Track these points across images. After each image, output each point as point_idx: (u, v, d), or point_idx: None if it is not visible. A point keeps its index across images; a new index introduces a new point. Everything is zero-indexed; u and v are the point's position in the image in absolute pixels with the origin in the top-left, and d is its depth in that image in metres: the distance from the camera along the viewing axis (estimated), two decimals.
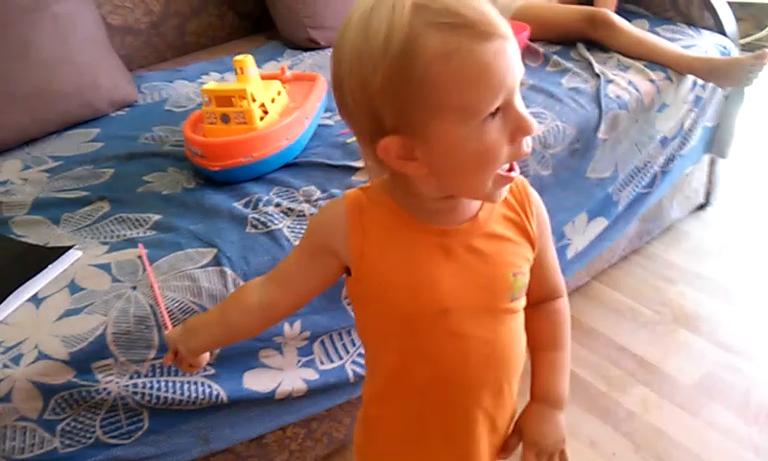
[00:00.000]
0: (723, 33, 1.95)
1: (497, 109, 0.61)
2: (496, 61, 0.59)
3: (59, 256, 1.19)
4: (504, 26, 0.60)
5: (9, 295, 1.10)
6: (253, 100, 1.39)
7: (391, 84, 0.60)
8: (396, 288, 0.72)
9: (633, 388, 1.59)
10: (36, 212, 1.36)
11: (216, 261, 1.17)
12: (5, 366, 0.99)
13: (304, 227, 1.25)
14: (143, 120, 1.72)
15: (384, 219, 0.72)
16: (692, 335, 1.72)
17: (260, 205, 1.30)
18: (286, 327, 1.21)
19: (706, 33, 1.95)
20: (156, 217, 1.30)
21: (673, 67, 1.77)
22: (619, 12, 2.05)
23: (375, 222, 0.72)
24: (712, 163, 2.10)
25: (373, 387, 0.82)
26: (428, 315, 0.72)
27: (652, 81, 1.74)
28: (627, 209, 1.80)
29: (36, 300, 1.11)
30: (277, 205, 1.29)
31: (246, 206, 1.30)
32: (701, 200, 2.15)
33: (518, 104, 0.63)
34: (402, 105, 0.61)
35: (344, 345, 1.31)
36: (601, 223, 1.74)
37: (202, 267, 1.16)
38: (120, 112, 1.81)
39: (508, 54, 0.60)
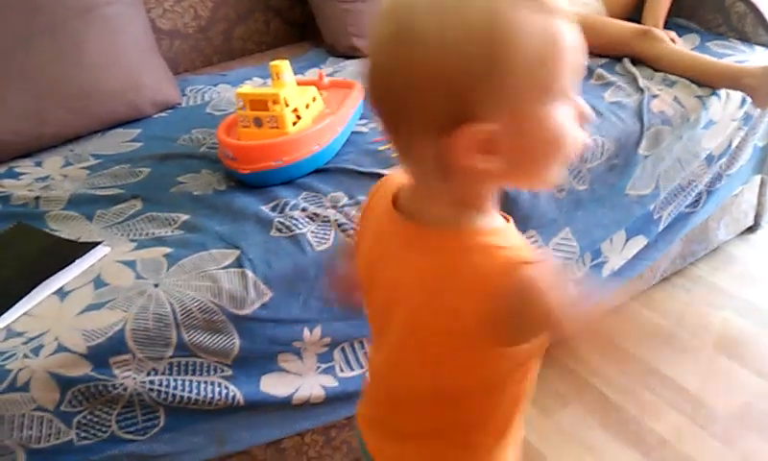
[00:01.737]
0: None
1: (567, 91, 0.62)
2: (580, 43, 0.61)
3: (87, 252, 1.22)
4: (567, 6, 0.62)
5: (35, 287, 1.13)
6: (287, 105, 1.39)
7: (482, 72, 0.57)
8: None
9: (667, 415, 1.53)
10: (71, 208, 1.39)
11: (238, 263, 1.17)
12: (25, 356, 1.01)
13: (328, 232, 1.25)
14: (183, 122, 1.75)
15: None
16: (733, 363, 1.65)
17: (287, 209, 1.30)
18: (306, 332, 1.21)
19: (759, 49, 1.88)
20: (185, 217, 1.31)
21: (719, 82, 1.70)
22: (670, 25, 2.00)
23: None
24: (763, 185, 2.02)
25: None
26: None
27: (698, 96, 1.68)
28: (669, 229, 1.75)
29: (61, 293, 1.14)
30: (304, 209, 1.29)
31: (273, 209, 1.31)
32: (750, 222, 2.07)
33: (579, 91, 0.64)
34: (492, 89, 0.58)
35: (365, 353, 1.30)
36: (640, 242, 1.69)
37: (224, 268, 1.16)
38: (162, 114, 1.84)
39: (574, 32, 0.61)
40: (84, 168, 1.57)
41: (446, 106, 0.58)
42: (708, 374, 1.63)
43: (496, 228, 0.66)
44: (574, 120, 0.63)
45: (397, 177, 0.71)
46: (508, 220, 0.70)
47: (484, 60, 0.57)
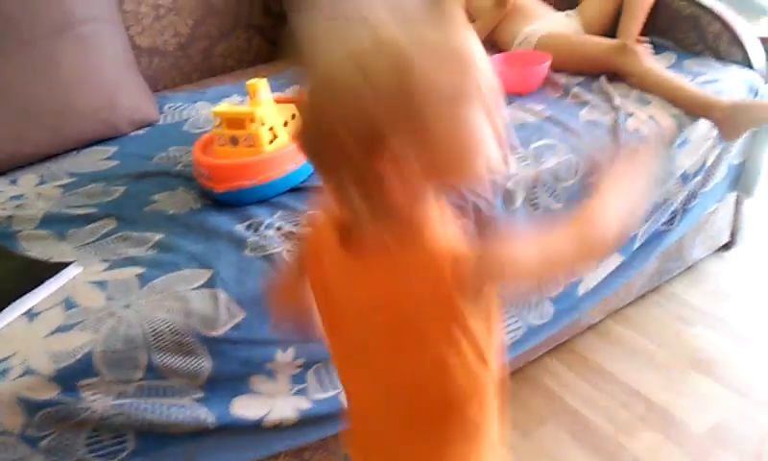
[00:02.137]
0: (752, 67, 1.90)
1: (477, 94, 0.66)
2: (486, 57, 0.67)
3: (58, 272, 1.21)
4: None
5: (4, 308, 1.12)
6: (263, 123, 1.40)
7: (403, 94, 0.61)
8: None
9: (641, 433, 1.54)
10: (44, 227, 1.38)
11: (210, 283, 1.17)
12: None
13: None
14: (160, 140, 1.75)
15: None
16: (707, 380, 1.66)
17: (261, 228, 1.30)
18: (279, 353, 1.20)
19: (734, 67, 1.90)
20: (159, 236, 1.31)
21: (689, 109, 1.73)
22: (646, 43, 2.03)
23: None
24: (738, 202, 2.04)
25: None
26: None
27: (674, 116, 1.70)
28: (644, 246, 1.75)
29: (30, 314, 1.13)
30: (278, 228, 1.29)
31: (248, 228, 1.30)
32: (725, 239, 2.08)
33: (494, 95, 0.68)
34: (406, 117, 0.62)
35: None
36: (616, 259, 1.70)
37: (195, 288, 1.16)
38: (140, 131, 1.84)
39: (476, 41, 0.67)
40: (58, 186, 1.56)
41: (365, 135, 0.62)
42: (682, 391, 1.64)
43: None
44: (491, 137, 0.67)
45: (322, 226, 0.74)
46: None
47: (396, 92, 0.61)
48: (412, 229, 0.68)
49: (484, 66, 0.66)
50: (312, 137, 0.67)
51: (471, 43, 0.66)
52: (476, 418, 0.77)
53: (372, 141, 0.63)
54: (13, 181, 1.61)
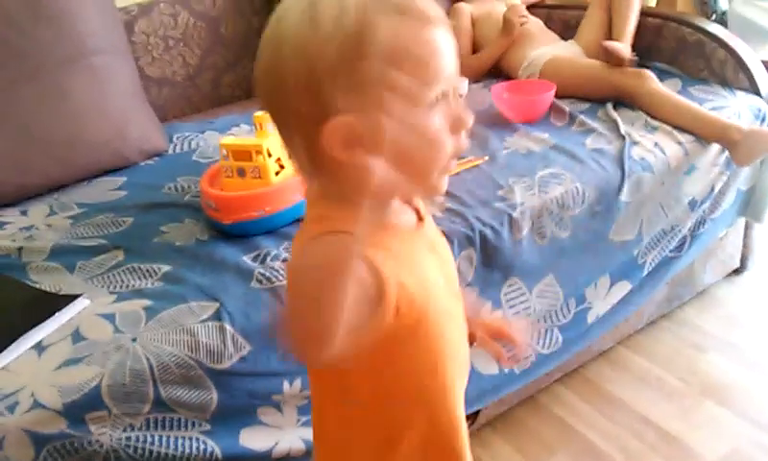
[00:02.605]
0: (758, 94, 1.90)
1: (440, 97, 0.64)
2: (441, 46, 0.63)
3: (67, 304, 1.21)
4: (444, 16, 0.65)
5: (14, 341, 1.13)
6: (269, 155, 1.41)
7: (344, 63, 0.60)
8: (426, 299, 0.68)
9: None
10: (53, 259, 1.39)
11: (217, 316, 1.17)
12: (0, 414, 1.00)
13: None
14: (169, 170, 1.76)
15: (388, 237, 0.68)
16: (720, 408, 1.64)
17: (268, 259, 1.30)
18: (285, 384, 1.20)
19: (740, 94, 1.90)
20: (167, 268, 1.31)
21: (703, 132, 1.72)
22: (652, 70, 2.03)
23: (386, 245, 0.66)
24: (748, 227, 2.03)
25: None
26: (444, 312, 0.73)
27: (680, 143, 1.70)
28: (653, 273, 1.75)
29: (39, 347, 1.13)
30: (284, 260, 1.30)
31: (254, 260, 1.31)
32: (736, 264, 2.07)
33: (458, 97, 0.66)
34: (355, 82, 0.61)
35: None
36: (624, 287, 1.69)
37: (202, 321, 1.16)
38: (149, 161, 1.86)
39: (450, 41, 0.64)
40: (68, 217, 1.57)
41: (311, 104, 0.62)
42: (694, 419, 1.62)
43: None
44: (449, 127, 0.65)
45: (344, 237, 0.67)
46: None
47: (347, 52, 0.60)
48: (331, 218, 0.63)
49: (449, 59, 0.64)
50: (264, 94, 0.66)
51: (442, 34, 0.64)
52: None
53: (313, 94, 0.61)
54: (24, 212, 1.63)
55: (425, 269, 0.71)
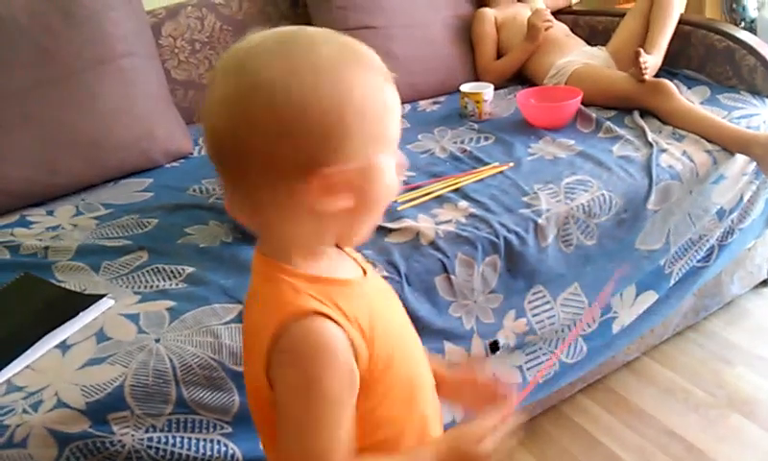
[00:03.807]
0: None
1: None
2: (396, 97, 0.68)
3: (91, 304, 1.22)
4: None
5: (38, 340, 1.13)
6: None
7: (328, 116, 0.62)
8: (399, 344, 0.75)
9: None
10: (78, 259, 1.40)
11: (240, 318, 1.17)
12: (24, 411, 1.01)
13: None
14: (194, 172, 1.77)
15: (347, 293, 0.70)
16: (747, 422, 1.61)
17: None
18: None
19: None
20: (191, 270, 1.32)
21: (727, 145, 1.70)
22: (680, 77, 2.01)
23: (352, 302, 0.69)
24: None
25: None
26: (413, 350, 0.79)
27: (708, 151, 1.68)
28: (680, 284, 1.72)
29: (63, 346, 1.14)
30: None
31: None
32: (764, 276, 2.03)
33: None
34: (352, 136, 0.63)
35: None
36: (651, 296, 1.66)
37: (225, 323, 1.16)
38: (175, 164, 1.87)
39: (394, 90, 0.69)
40: (93, 218, 1.58)
41: (296, 155, 0.62)
42: (721, 433, 1.59)
43: (312, 275, 0.68)
44: (396, 169, 0.69)
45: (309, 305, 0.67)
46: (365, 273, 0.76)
47: (333, 115, 0.62)
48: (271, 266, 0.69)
49: (398, 108, 0.68)
50: (223, 146, 0.65)
51: (390, 87, 0.67)
52: None
53: (302, 155, 0.62)
54: (50, 212, 1.64)
55: (386, 316, 0.74)
